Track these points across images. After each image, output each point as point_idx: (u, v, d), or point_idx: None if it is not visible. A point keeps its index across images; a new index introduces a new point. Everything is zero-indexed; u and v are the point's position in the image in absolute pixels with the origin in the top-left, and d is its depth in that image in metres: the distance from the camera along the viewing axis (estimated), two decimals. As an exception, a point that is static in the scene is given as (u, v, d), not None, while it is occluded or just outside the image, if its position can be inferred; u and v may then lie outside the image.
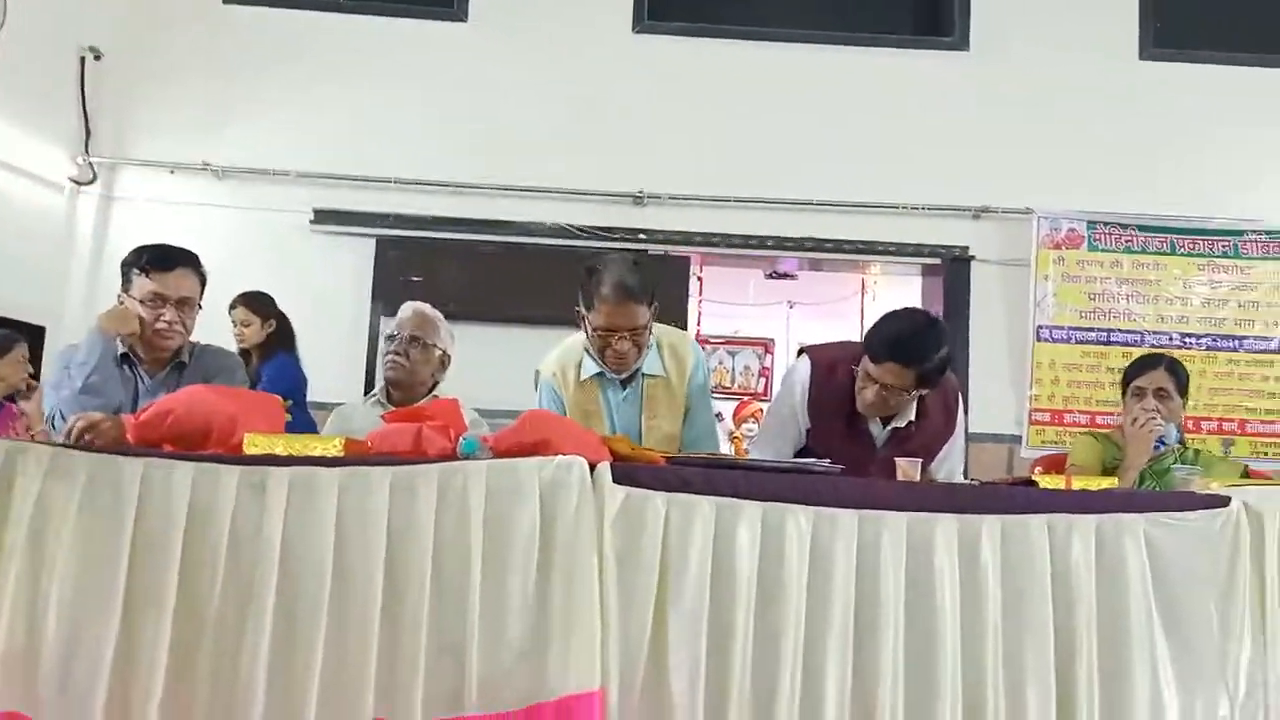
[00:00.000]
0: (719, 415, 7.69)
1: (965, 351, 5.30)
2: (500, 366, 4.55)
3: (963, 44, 5.47)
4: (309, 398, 4.15)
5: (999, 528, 1.88)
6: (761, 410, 6.02)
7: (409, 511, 1.69)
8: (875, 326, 2.45)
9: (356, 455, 1.82)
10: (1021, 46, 5.47)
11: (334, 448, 1.82)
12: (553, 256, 5.06)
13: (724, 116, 5.29)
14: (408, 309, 3.06)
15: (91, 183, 5.05)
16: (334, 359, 4.80)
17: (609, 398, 2.72)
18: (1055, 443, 5.14)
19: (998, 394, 5.31)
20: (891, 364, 2.36)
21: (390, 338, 3.02)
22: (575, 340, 2.76)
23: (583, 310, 2.63)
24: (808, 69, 5.39)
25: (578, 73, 5.29)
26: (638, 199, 5.17)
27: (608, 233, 5.10)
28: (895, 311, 2.51)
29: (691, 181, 5.19)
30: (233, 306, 4.23)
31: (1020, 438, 5.29)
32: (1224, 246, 5.42)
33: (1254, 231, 5.42)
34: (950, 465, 2.65)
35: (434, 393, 3.01)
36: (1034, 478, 2.19)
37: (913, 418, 2.51)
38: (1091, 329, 5.36)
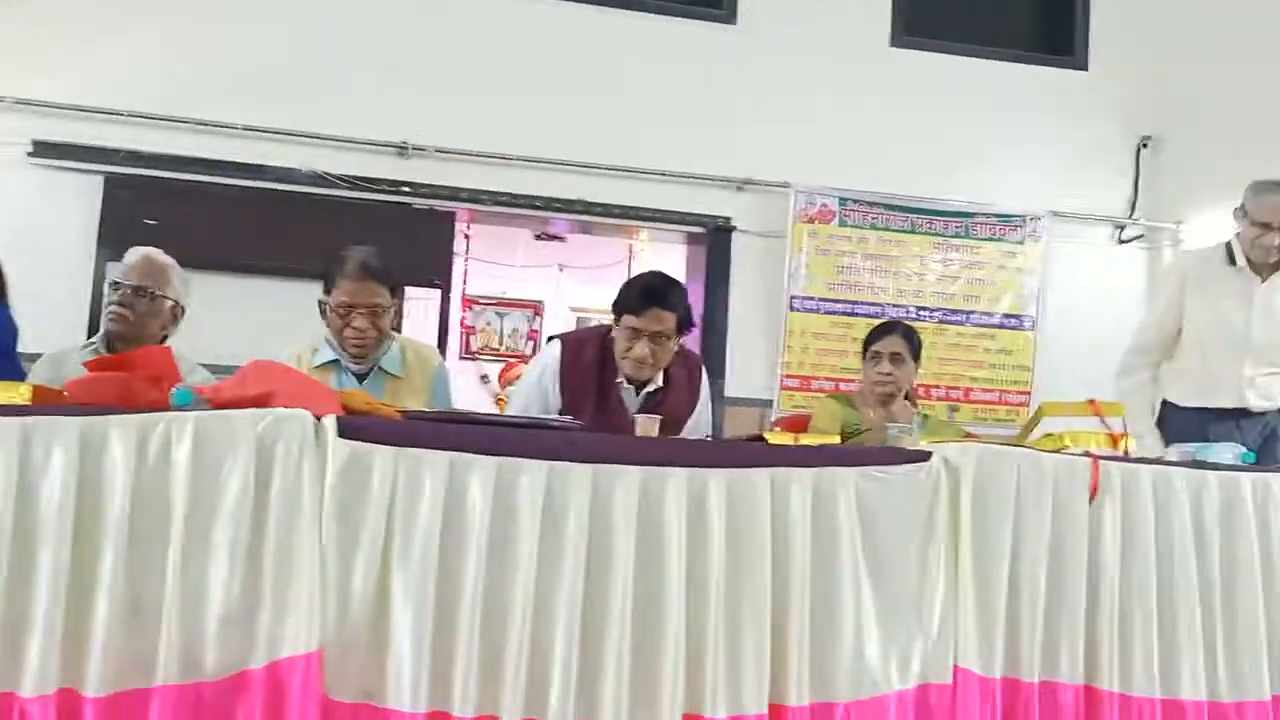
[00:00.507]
0: (485, 377, 7.66)
1: (725, 318, 5.50)
2: (246, 320, 4.31)
3: (731, 18, 5.62)
4: (24, 349, 3.77)
5: (725, 481, 1.95)
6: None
7: (100, 464, 1.56)
8: (624, 287, 2.71)
9: (45, 404, 1.66)
10: (785, 24, 5.67)
11: (19, 395, 1.65)
12: (308, 205, 4.81)
13: (496, 70, 5.20)
14: (135, 254, 2.85)
15: None
16: (54, 307, 4.36)
17: (341, 387, 2.66)
18: (804, 407, 5.43)
19: (753, 360, 5.54)
20: (655, 310, 2.61)
21: (114, 285, 2.79)
22: (318, 332, 2.77)
23: (324, 298, 2.67)
24: (581, 29, 5.37)
25: (343, 13, 5.03)
26: (401, 150, 4.99)
27: (368, 184, 4.90)
28: (636, 275, 2.78)
29: (460, 135, 5.05)
30: (-69, 247, 3.76)
31: (772, 402, 5.56)
32: (957, 227, 5.87)
33: (984, 214, 5.90)
34: (699, 433, 2.81)
35: (165, 349, 2.82)
36: (763, 434, 2.31)
37: (662, 384, 2.72)
38: (839, 301, 5.68)
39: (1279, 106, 5.37)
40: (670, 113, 5.42)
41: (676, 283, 2.73)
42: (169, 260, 2.81)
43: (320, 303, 2.70)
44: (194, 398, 1.75)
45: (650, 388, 2.72)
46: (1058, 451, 2.27)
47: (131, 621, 1.55)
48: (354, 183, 4.88)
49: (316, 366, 2.68)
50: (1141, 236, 6.35)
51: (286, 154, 4.84)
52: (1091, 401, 2.67)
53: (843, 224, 5.66)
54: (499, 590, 1.80)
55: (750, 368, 5.55)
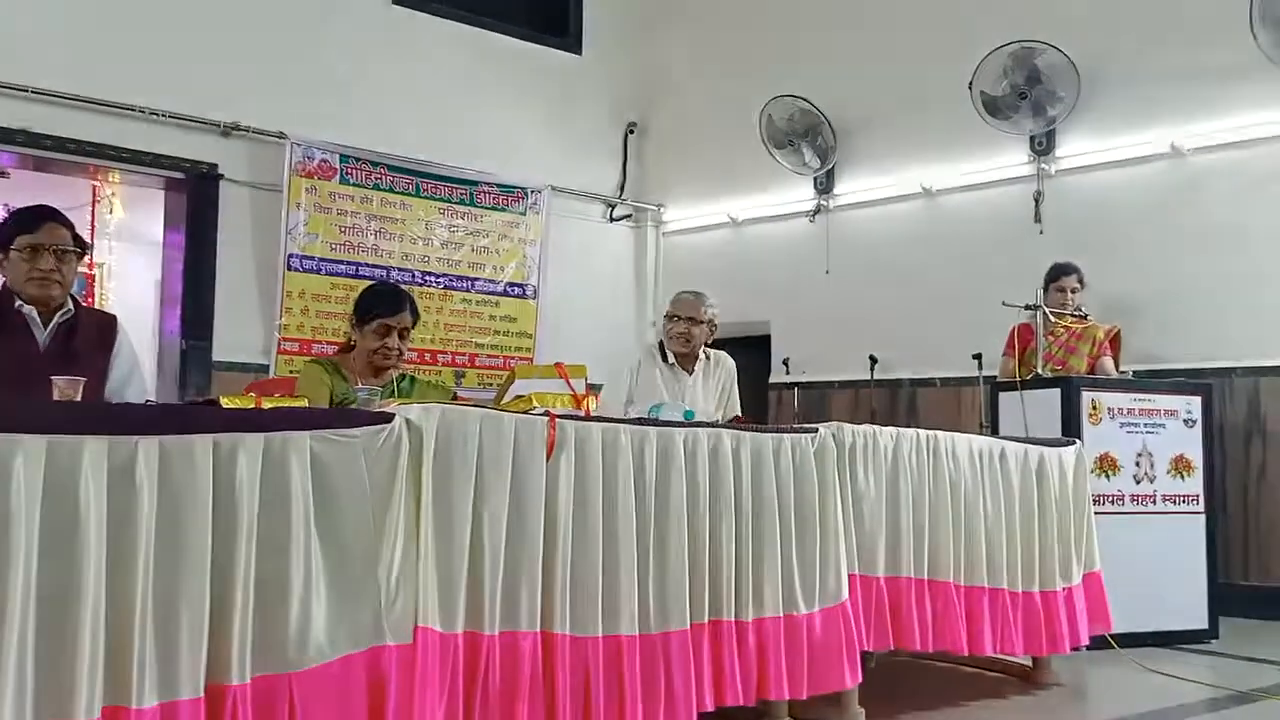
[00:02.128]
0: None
1: (212, 275, 5.08)
2: None
3: (216, -48, 5.18)
4: None
5: (157, 447, 1.76)
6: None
7: None
8: (2, 223, 2.78)
9: None
10: (284, -36, 5.35)
11: None
12: None
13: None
14: None
15: None
16: None
17: None
18: (298, 372, 5.21)
19: (246, 321, 5.20)
20: (50, 223, 2.64)
21: None
22: None
23: None
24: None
25: None
26: None
27: None
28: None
29: None
30: None
31: (269, 367, 5.25)
32: (461, 194, 5.96)
33: (487, 184, 6.06)
34: (123, 387, 2.71)
35: None
36: (221, 398, 2.15)
37: (73, 310, 2.69)
38: (342, 261, 5.51)
39: (745, 109, 6.14)
40: (143, 40, 4.85)
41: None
42: None
43: None
44: None
45: (61, 316, 2.65)
46: (525, 412, 2.35)
47: None
48: None
49: None
50: (629, 216, 6.95)
51: None
52: (558, 365, 2.82)
53: (345, 181, 5.48)
54: None
55: (243, 329, 5.19)
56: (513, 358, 6.19)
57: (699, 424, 2.71)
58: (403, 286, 4.22)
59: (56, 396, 1.95)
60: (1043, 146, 5.34)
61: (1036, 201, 5.35)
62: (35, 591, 1.62)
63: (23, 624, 1.60)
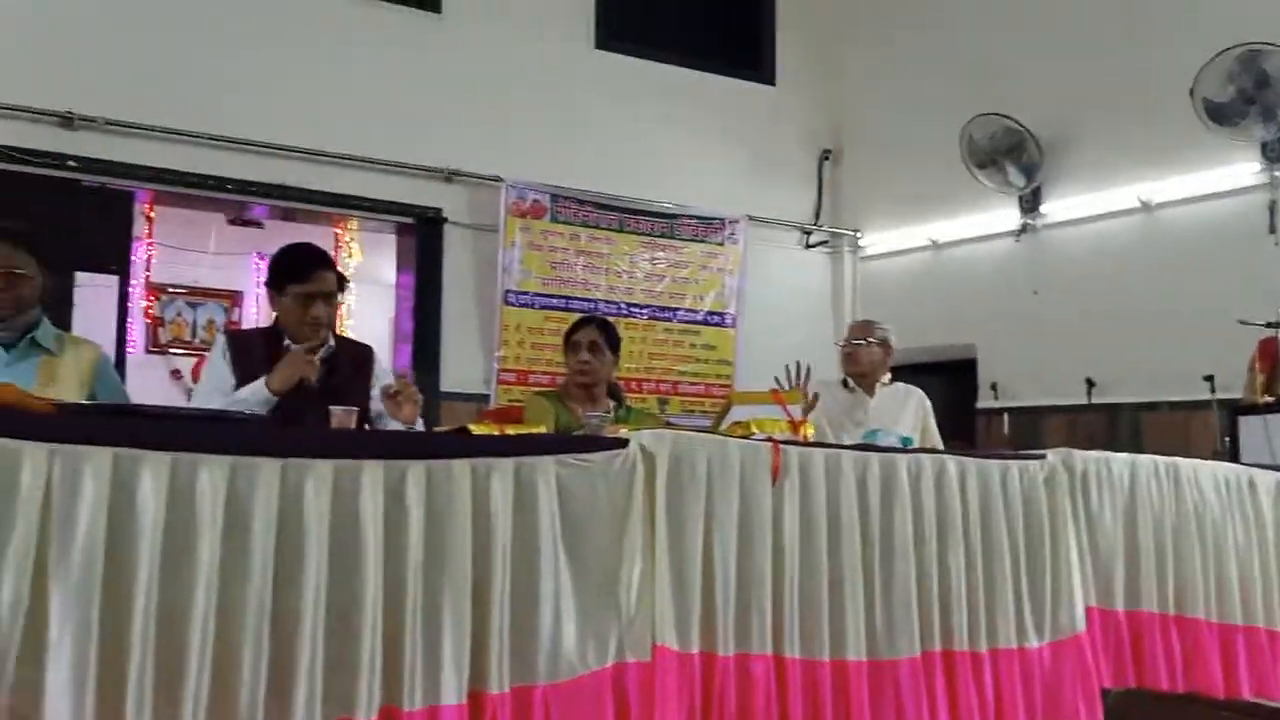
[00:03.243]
0: (176, 372, 7.10)
1: (438, 312, 5.43)
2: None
3: (435, 6, 5.56)
4: None
5: (424, 471, 1.92)
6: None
7: None
8: (280, 261, 2.86)
9: None
10: (490, 19, 5.69)
11: None
12: (-43, 179, 4.26)
13: (180, 34, 4.79)
14: None
15: None
16: None
17: None
18: (520, 401, 5.47)
19: (468, 353, 5.52)
20: (320, 271, 2.79)
21: None
22: None
23: None
24: (280, 4, 5.10)
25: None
26: (66, 119, 4.50)
27: (28, 156, 4.37)
28: (281, 251, 2.91)
29: (137, 106, 4.64)
30: None
31: (490, 396, 5.55)
32: (662, 228, 6.12)
33: (687, 217, 6.20)
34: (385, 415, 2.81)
35: None
36: (469, 425, 2.30)
37: (334, 345, 2.85)
38: (553, 296, 5.76)
39: (942, 130, 6.03)
40: (375, 99, 5.28)
41: (315, 246, 2.96)
42: None
43: None
44: None
45: (324, 352, 2.79)
46: (745, 438, 2.41)
47: None
48: (11, 155, 4.35)
49: None
50: (825, 242, 6.92)
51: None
52: (774, 391, 2.87)
53: (555, 220, 5.74)
54: (176, 598, 1.66)
55: (466, 362, 5.51)
56: (713, 385, 6.28)
57: (921, 450, 2.69)
58: (609, 318, 4.40)
59: (334, 425, 2.15)
60: (1275, 153, 4.97)
61: (1271, 211, 4.98)
62: (325, 599, 1.80)
63: (314, 628, 1.77)
